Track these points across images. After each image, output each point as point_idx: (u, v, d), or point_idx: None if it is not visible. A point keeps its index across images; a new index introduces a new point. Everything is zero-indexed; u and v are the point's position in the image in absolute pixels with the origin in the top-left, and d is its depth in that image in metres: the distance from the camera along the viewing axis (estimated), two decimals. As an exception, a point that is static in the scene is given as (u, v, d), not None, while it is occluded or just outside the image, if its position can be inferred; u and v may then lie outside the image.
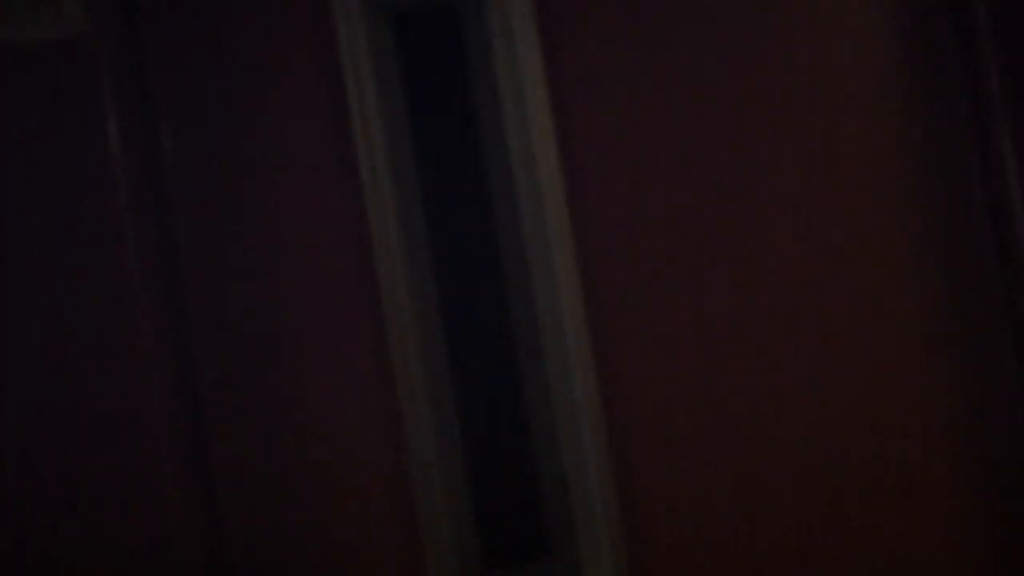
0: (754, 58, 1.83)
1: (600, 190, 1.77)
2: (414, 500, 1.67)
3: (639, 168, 1.78)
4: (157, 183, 1.68)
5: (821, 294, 1.82)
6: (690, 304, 1.78)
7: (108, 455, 1.62)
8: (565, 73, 1.76)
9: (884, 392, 1.83)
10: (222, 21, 1.70)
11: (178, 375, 1.65)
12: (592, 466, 1.71)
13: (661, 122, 1.79)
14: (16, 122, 1.64)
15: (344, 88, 1.70)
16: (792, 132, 1.83)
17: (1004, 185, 1.87)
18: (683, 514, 1.75)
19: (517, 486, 1.73)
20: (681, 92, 1.80)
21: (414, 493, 1.67)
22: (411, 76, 1.73)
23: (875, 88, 1.86)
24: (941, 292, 1.86)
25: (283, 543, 1.65)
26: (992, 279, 1.88)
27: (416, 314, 1.71)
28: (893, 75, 1.87)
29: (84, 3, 1.66)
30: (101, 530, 1.60)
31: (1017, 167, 1.87)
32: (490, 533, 1.71)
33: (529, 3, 1.74)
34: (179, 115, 1.69)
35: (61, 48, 1.66)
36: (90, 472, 1.61)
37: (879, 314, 1.84)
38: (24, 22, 1.65)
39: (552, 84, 1.75)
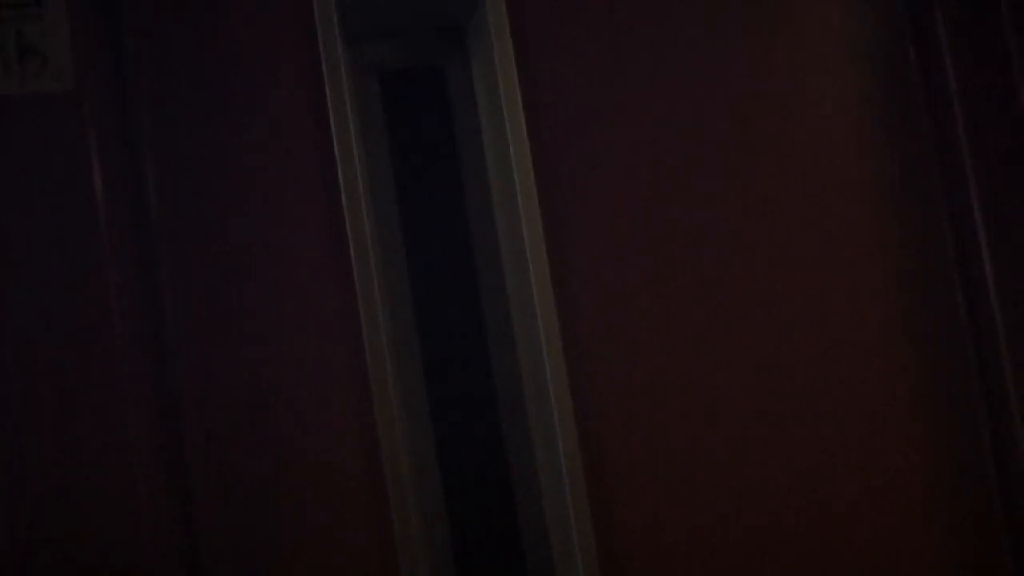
0: (729, 88, 1.86)
1: (582, 242, 1.79)
2: (392, 533, 1.67)
3: (621, 219, 1.81)
4: (142, 234, 1.68)
5: (795, 301, 1.85)
6: (672, 334, 1.80)
7: (81, 460, 1.61)
8: (547, 128, 1.78)
9: (864, 407, 1.86)
10: (211, 74, 1.71)
11: (154, 388, 1.65)
12: (570, 498, 1.72)
13: (645, 172, 1.82)
14: (3, 172, 1.65)
15: (331, 141, 1.71)
16: (766, 165, 1.87)
17: (973, 236, 1.91)
18: (662, 549, 1.77)
19: (495, 517, 1.75)
20: (660, 123, 1.83)
21: (392, 526, 1.67)
22: (397, 131, 1.75)
23: (848, 125, 1.90)
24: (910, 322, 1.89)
25: (257, 555, 1.66)
26: (962, 325, 1.92)
27: (395, 354, 1.73)
28: (865, 126, 1.92)
29: (72, 59, 1.66)
30: (72, 535, 1.60)
31: (984, 220, 1.92)
32: (468, 564, 1.73)
33: (512, 61, 1.76)
34: (165, 166, 1.69)
35: (48, 102, 1.66)
36: (61, 475, 1.60)
37: (851, 320, 1.87)
38: (12, 76, 1.65)
39: (534, 138, 1.77)
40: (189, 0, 1.72)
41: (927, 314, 1.90)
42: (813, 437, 1.83)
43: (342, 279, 1.70)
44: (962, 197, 1.91)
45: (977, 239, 1.90)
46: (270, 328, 1.70)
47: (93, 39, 1.68)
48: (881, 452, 1.86)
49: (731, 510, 1.79)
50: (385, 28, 1.76)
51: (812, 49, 1.90)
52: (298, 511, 1.67)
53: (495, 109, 1.76)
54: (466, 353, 1.77)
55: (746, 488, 1.80)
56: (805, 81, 1.89)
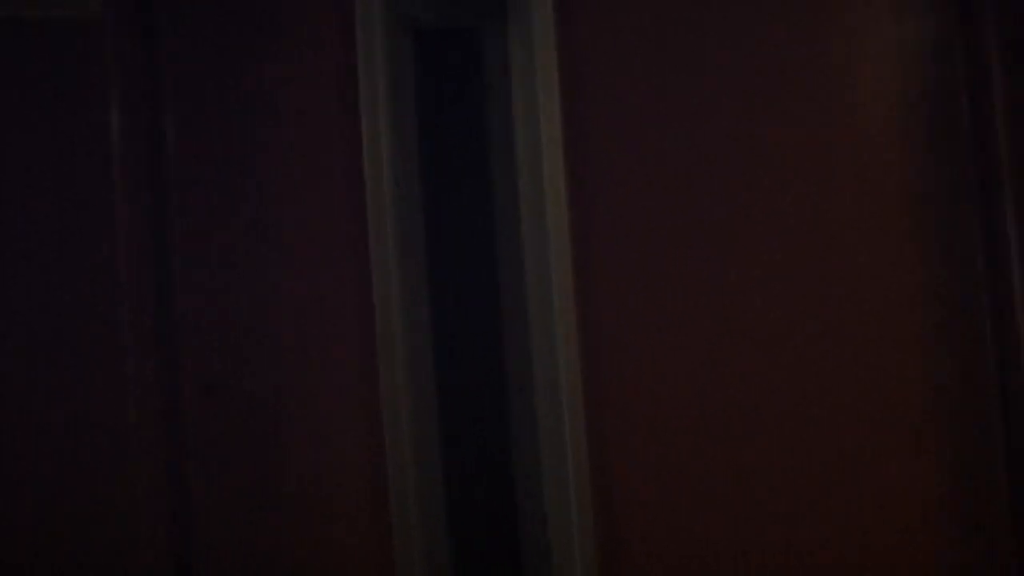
0: (774, 80, 1.82)
1: (609, 215, 1.74)
2: (391, 531, 1.64)
3: (649, 192, 1.76)
4: (155, 171, 1.64)
5: (820, 302, 1.82)
6: (692, 336, 1.77)
7: (81, 458, 1.59)
8: (582, 104, 1.73)
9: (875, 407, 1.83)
10: (239, 16, 1.66)
11: (159, 377, 1.62)
12: (573, 504, 1.70)
13: (676, 145, 1.77)
14: (20, 97, 1.61)
15: (358, 94, 1.66)
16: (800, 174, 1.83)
17: (1005, 248, 1.88)
18: (666, 562, 1.74)
19: (496, 519, 1.71)
20: (698, 113, 1.79)
21: (392, 523, 1.64)
22: (427, 91, 1.71)
23: (887, 125, 1.86)
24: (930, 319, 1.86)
25: (252, 561, 1.63)
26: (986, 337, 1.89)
27: (407, 334, 1.69)
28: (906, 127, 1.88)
29: (100, -15, 1.63)
30: (67, 536, 1.58)
31: (1018, 234, 1.88)
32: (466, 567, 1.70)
33: (551, 26, 1.71)
34: (184, 104, 1.65)
35: (72, 26, 1.62)
36: (60, 474, 1.58)
37: (874, 324, 1.84)
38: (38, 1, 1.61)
39: (567, 105, 1.72)
40: (223, -62, 1.68)
41: (952, 326, 1.86)
42: (828, 443, 1.80)
43: (355, 228, 1.66)
44: (998, 210, 1.87)
45: (1009, 252, 1.86)
46: (276, 280, 1.66)
47: (122, -34, 1.64)
48: (895, 461, 1.83)
49: (739, 517, 1.76)
50: (424, -16, 1.72)
51: (859, 50, 1.85)
52: (300, 509, 1.65)
53: (529, 79, 1.71)
54: (478, 314, 1.73)
55: (755, 495, 1.77)
56: (849, 82, 1.84)
